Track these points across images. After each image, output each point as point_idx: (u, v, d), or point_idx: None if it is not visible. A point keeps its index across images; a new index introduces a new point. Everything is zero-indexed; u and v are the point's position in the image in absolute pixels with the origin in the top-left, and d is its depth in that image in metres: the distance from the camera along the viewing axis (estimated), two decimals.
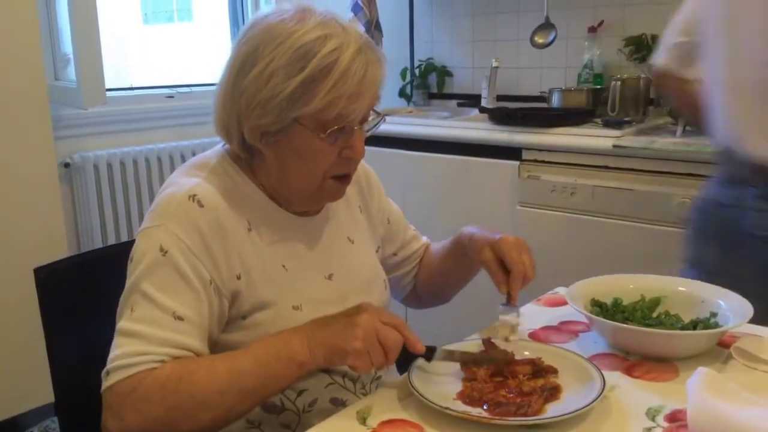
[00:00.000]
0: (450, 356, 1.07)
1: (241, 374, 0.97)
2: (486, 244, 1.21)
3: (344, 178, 1.14)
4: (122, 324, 0.99)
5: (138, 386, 0.94)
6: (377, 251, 1.33)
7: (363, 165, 1.34)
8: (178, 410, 0.94)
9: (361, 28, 2.95)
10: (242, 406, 0.99)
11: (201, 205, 1.05)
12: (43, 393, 1.25)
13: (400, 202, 1.44)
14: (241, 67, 1.05)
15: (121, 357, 0.96)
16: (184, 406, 0.94)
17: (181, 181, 1.09)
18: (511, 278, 1.17)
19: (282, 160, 1.10)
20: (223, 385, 0.96)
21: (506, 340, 1.13)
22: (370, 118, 1.12)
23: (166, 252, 1.01)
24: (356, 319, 0.98)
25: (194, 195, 1.05)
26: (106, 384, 0.96)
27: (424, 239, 1.45)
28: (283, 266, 1.12)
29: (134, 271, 1.02)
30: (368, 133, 1.14)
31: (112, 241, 2.95)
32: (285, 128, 1.05)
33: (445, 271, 1.38)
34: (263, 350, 0.99)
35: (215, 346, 1.07)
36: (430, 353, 1.05)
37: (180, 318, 0.99)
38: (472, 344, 1.13)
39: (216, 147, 1.19)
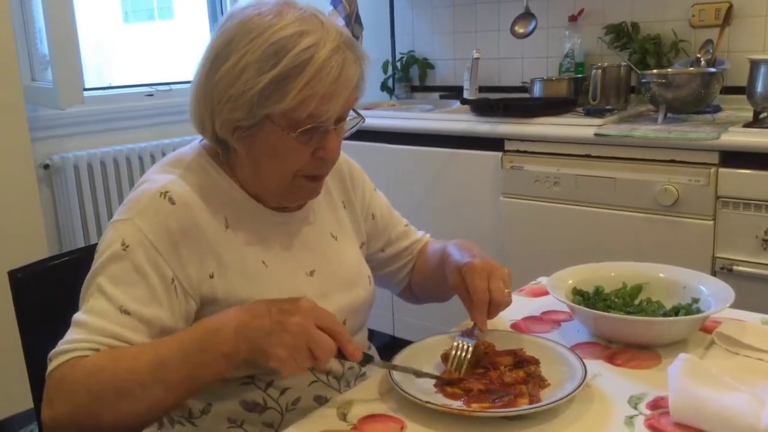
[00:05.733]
0: (385, 366, 1.01)
1: (164, 366, 0.92)
2: (455, 268, 1.16)
3: (316, 178, 1.11)
4: (75, 315, 1.00)
5: (68, 373, 0.93)
6: (361, 247, 1.31)
7: (347, 159, 1.33)
8: (100, 399, 0.91)
9: (341, 22, 2.93)
10: (167, 399, 0.94)
11: (172, 203, 1.04)
12: (28, 397, 1.23)
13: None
14: (215, 59, 1.04)
15: (61, 344, 0.96)
16: (106, 395, 0.91)
17: (155, 177, 1.08)
18: (473, 307, 1.11)
19: (254, 157, 1.08)
20: (145, 377, 0.91)
21: (452, 374, 1.02)
22: (348, 119, 1.10)
23: (127, 247, 1.00)
24: (287, 323, 0.90)
25: (166, 192, 1.04)
26: (47, 372, 0.96)
27: (420, 234, 1.41)
28: (263, 262, 1.11)
29: (95, 262, 1.02)
30: (347, 134, 1.12)
31: (94, 242, 2.92)
32: (256, 124, 1.03)
33: (437, 282, 1.32)
34: (189, 340, 0.94)
35: None
36: (365, 361, 0.99)
37: (126, 312, 0.98)
38: (450, 338, 1.12)
39: (193, 143, 1.17)
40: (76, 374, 0.93)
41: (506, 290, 1.12)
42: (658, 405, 0.94)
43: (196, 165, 1.12)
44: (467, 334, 1.09)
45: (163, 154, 3.09)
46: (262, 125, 1.03)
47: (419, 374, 1.01)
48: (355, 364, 1.18)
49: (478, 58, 2.96)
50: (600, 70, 2.48)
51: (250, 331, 0.92)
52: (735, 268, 2.05)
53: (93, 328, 0.96)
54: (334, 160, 1.11)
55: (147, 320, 0.99)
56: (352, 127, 1.13)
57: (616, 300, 1.19)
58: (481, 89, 3.04)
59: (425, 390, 0.98)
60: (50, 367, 0.95)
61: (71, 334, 0.97)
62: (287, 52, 0.99)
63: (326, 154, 1.07)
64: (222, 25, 1.06)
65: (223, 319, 0.95)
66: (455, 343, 1.05)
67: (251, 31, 1.01)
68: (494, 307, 1.11)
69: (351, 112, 1.10)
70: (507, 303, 1.13)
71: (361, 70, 1.05)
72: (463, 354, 1.03)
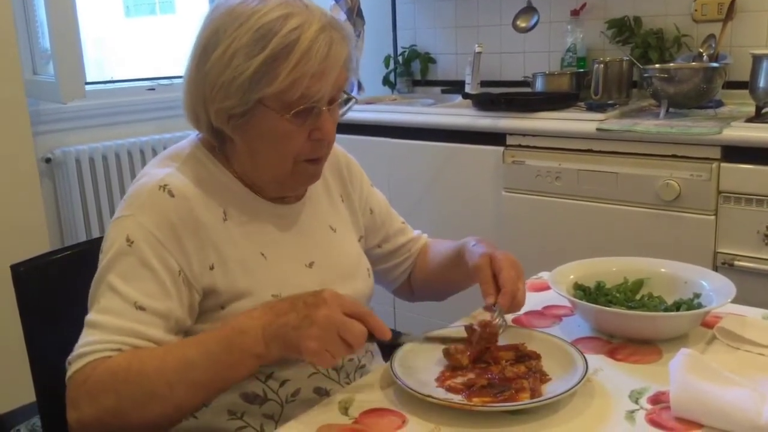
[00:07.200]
0: (416, 339, 1.06)
1: (191, 367, 0.94)
2: (485, 253, 1.17)
3: (316, 161, 1.12)
4: (88, 316, 1.00)
5: (92, 375, 0.94)
6: (360, 241, 1.31)
7: (345, 154, 1.33)
8: (128, 400, 0.93)
9: (342, 16, 2.93)
10: (195, 400, 0.96)
11: (172, 195, 1.04)
12: (30, 391, 1.23)
13: (385, 190, 1.42)
14: (204, 50, 1.05)
15: (80, 347, 0.96)
16: (134, 396, 0.93)
17: (153, 172, 1.09)
18: (502, 294, 1.11)
19: (251, 145, 1.09)
20: (172, 377, 0.93)
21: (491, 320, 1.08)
22: (340, 100, 1.11)
23: (132, 242, 1.01)
24: (314, 315, 0.92)
25: (165, 185, 1.05)
26: (67, 375, 0.96)
27: (417, 233, 1.42)
28: (262, 254, 1.11)
29: (102, 261, 1.02)
30: (342, 115, 1.12)
31: (96, 236, 2.92)
32: (250, 110, 1.04)
33: (445, 276, 1.33)
34: (215, 342, 0.95)
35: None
36: (395, 337, 1.04)
37: (141, 308, 0.98)
38: (455, 330, 1.12)
39: (190, 137, 1.18)
40: (100, 376, 0.93)
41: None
42: (659, 400, 0.94)
43: (193, 158, 1.12)
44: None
45: (165, 148, 3.08)
46: (256, 110, 1.04)
47: (447, 341, 1.05)
48: (355, 356, 1.18)
49: (479, 53, 2.95)
50: (602, 65, 2.47)
51: (277, 329, 0.93)
52: (736, 263, 2.05)
53: (110, 328, 0.97)
54: (331, 141, 1.12)
55: (162, 314, 1.00)
56: (345, 105, 1.14)
57: (618, 295, 1.19)
58: (483, 84, 3.03)
59: (426, 384, 0.98)
60: (70, 371, 0.96)
61: (87, 336, 0.97)
62: (274, 34, 1.00)
63: (322, 135, 1.08)
64: (208, 16, 1.07)
65: (248, 319, 0.96)
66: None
67: (237, 18, 1.03)
68: (515, 304, 1.12)
69: (342, 93, 1.11)
70: (520, 308, 1.14)
71: (349, 49, 1.06)
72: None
